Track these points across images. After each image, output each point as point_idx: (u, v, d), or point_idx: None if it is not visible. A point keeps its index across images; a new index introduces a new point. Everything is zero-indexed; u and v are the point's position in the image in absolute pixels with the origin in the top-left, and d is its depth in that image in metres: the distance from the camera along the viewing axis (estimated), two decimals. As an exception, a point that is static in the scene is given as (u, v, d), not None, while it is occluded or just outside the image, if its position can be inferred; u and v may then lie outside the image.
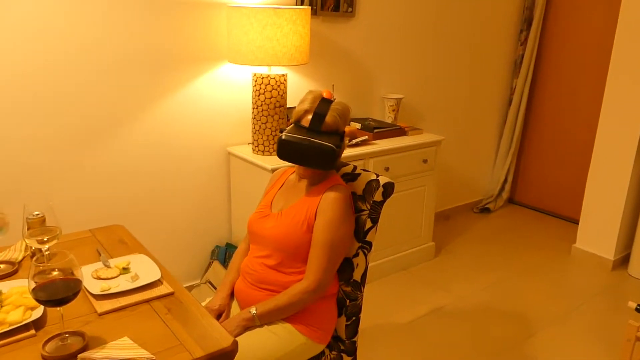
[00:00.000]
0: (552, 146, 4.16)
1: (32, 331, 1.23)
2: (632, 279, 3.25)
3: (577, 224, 3.57)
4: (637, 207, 3.35)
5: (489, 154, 4.31)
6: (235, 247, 2.75)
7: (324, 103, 1.64)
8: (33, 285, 1.12)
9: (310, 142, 1.59)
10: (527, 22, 3.98)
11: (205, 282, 2.69)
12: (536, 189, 4.33)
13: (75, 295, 1.15)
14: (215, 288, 2.62)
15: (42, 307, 1.29)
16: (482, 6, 3.74)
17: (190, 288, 2.75)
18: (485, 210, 4.28)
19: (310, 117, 1.63)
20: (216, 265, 2.70)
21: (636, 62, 3.07)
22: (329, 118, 1.62)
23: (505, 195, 4.32)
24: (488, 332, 2.65)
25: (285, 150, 1.63)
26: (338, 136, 1.64)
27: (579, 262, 3.46)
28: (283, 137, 1.63)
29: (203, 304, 1.75)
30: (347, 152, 2.72)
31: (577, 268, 3.38)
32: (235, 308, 1.77)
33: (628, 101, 3.13)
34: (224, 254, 2.76)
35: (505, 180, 4.30)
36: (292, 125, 1.68)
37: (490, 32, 3.88)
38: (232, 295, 1.79)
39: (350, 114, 1.72)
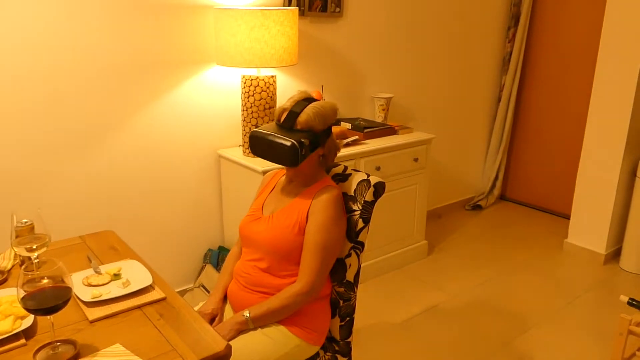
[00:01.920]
0: (542, 142, 4.19)
1: (23, 340, 1.22)
2: (623, 273, 3.27)
3: (569, 219, 3.59)
4: (627, 201, 3.37)
5: (480, 151, 4.33)
6: (228, 251, 2.74)
7: (303, 102, 1.64)
8: (22, 294, 1.11)
9: (273, 138, 1.60)
10: (515, 18, 4.00)
11: (199, 286, 2.68)
12: (527, 185, 4.35)
13: (65, 303, 1.14)
14: (208, 292, 2.61)
15: (32, 316, 1.28)
16: (469, 4, 3.76)
17: (183, 292, 2.74)
18: (477, 207, 4.30)
19: (286, 114, 1.64)
20: (209, 268, 2.69)
21: (623, 57, 3.09)
22: (302, 116, 1.62)
23: (496, 192, 4.34)
24: (482, 329, 2.66)
25: (253, 145, 1.67)
26: (311, 134, 1.62)
27: (571, 256, 3.48)
28: (253, 132, 1.67)
29: (196, 308, 1.74)
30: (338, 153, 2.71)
31: (570, 263, 3.40)
32: (228, 312, 1.76)
33: (616, 96, 3.16)
34: (217, 257, 2.75)
35: (496, 177, 4.32)
36: (273, 123, 1.70)
37: (478, 29, 3.90)
38: (225, 299, 1.78)
39: (334, 114, 1.69)
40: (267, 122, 2.56)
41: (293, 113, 1.62)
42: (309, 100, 1.65)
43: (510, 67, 4.05)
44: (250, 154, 2.60)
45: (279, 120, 1.68)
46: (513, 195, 4.46)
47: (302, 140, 1.58)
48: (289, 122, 1.62)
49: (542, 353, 2.48)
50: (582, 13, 3.79)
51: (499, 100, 4.19)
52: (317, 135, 1.63)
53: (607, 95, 3.20)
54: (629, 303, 2.06)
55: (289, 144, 1.57)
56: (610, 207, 3.29)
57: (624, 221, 3.42)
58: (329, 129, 1.69)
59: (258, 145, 1.65)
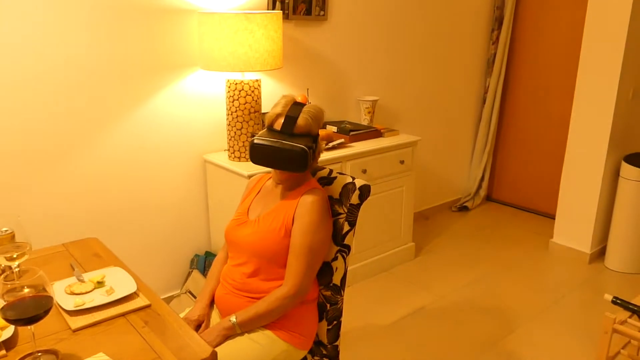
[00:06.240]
0: (527, 143, 4.22)
1: (3, 351, 1.20)
2: (608, 271, 3.30)
3: (554, 219, 3.62)
4: (611, 200, 3.41)
5: (465, 153, 4.35)
6: (215, 256, 2.72)
7: (296, 106, 1.65)
8: (2, 304, 1.09)
9: (282, 145, 1.59)
10: (498, 21, 4.03)
11: (186, 292, 2.66)
12: (513, 185, 4.38)
13: (46, 312, 1.12)
14: (195, 297, 2.58)
15: (12, 326, 1.26)
16: (453, 6, 3.78)
17: (170, 299, 2.71)
18: (463, 208, 4.32)
19: (282, 120, 1.63)
20: (196, 274, 2.67)
21: (605, 58, 3.13)
22: (300, 120, 1.62)
23: (482, 193, 4.37)
24: (470, 330, 2.67)
25: (258, 155, 1.62)
26: (311, 138, 1.64)
27: (557, 256, 3.51)
28: (255, 141, 1.62)
29: (183, 314, 1.72)
30: (324, 156, 2.71)
31: (555, 262, 3.43)
32: (215, 317, 1.75)
33: (598, 97, 3.19)
34: (204, 262, 2.73)
35: (482, 178, 4.35)
36: (265, 129, 1.67)
37: (462, 31, 3.92)
38: (211, 304, 1.77)
39: (323, 117, 1.72)
40: (253, 127, 2.55)
41: (291, 118, 1.62)
42: (298, 104, 1.66)
43: (494, 69, 4.09)
44: (236, 159, 2.59)
45: (271, 125, 1.67)
46: (499, 196, 4.49)
47: (310, 145, 1.60)
48: (288, 127, 1.61)
49: (529, 352, 2.49)
50: (564, 15, 3.83)
51: (484, 101, 4.22)
52: (315, 139, 1.66)
53: (590, 96, 3.23)
54: (613, 302, 2.08)
55: (299, 149, 1.57)
56: (594, 207, 3.33)
57: (609, 220, 3.45)
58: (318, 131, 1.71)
59: (263, 154, 1.61)
